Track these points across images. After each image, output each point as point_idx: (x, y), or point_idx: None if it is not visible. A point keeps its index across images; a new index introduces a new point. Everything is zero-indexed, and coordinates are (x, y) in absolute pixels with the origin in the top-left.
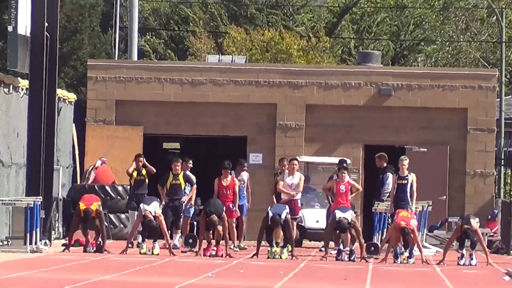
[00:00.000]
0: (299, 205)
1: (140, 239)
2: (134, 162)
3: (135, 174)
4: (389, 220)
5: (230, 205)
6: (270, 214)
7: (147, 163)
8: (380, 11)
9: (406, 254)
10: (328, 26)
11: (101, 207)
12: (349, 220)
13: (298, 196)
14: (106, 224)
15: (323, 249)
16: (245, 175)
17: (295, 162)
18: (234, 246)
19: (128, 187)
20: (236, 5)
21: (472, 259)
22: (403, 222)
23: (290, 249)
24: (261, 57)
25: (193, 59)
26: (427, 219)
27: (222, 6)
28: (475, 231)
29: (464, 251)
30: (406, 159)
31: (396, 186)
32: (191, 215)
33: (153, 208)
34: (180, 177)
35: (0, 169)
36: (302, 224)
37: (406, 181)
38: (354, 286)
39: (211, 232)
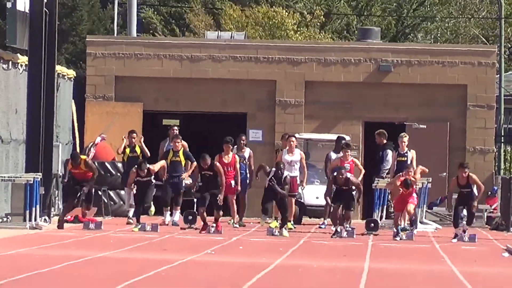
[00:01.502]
0: (298, 182)
1: (131, 213)
2: (126, 139)
3: (128, 150)
4: (389, 196)
5: (232, 182)
6: (272, 172)
7: (144, 146)
8: None
9: (407, 227)
10: (328, 3)
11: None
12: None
13: (296, 173)
14: (106, 201)
15: (322, 226)
16: (247, 152)
17: (293, 139)
18: (233, 223)
19: None
20: None
21: (465, 234)
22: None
23: (289, 226)
24: (257, 34)
25: (190, 35)
26: (426, 196)
27: None
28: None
29: (460, 229)
30: (406, 136)
31: (396, 163)
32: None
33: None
34: (180, 153)
35: None
36: (302, 201)
37: (405, 158)
38: (354, 262)
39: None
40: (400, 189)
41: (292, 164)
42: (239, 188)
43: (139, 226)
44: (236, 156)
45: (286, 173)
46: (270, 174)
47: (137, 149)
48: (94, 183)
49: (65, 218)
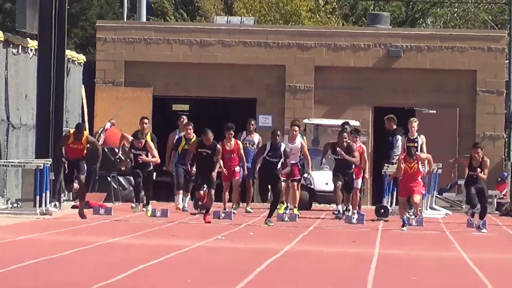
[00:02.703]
0: (299, 167)
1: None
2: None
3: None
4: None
5: (236, 168)
6: (268, 146)
7: (154, 151)
8: None
9: (412, 216)
10: None
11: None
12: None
13: (296, 160)
14: (115, 186)
15: (336, 211)
16: (256, 137)
17: (296, 128)
18: (247, 208)
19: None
20: None
21: (481, 228)
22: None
23: (295, 212)
24: (270, 18)
25: (201, 20)
26: (436, 182)
27: None
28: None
29: (473, 218)
30: (415, 121)
31: (406, 148)
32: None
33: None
34: (193, 141)
35: (9, 131)
36: (312, 187)
37: (415, 144)
38: (364, 248)
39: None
40: (402, 165)
41: (292, 152)
42: (246, 172)
43: (138, 208)
44: (239, 142)
45: (283, 145)
46: (266, 149)
47: (148, 137)
48: (103, 169)
49: (75, 204)
